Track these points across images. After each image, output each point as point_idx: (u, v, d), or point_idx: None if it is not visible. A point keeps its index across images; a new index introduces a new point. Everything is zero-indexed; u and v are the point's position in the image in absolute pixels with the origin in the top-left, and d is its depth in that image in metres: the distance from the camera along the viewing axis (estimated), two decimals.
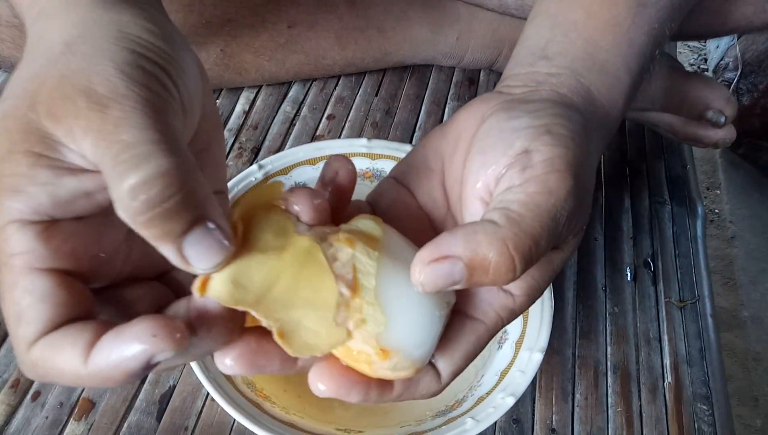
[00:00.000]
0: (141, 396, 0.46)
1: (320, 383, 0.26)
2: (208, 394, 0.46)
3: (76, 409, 0.45)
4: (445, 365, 0.28)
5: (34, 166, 0.22)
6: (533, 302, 0.30)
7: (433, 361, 0.28)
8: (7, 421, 0.44)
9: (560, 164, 0.27)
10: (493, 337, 0.29)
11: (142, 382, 0.47)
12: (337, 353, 0.26)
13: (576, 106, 0.32)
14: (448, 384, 0.29)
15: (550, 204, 0.26)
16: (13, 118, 0.23)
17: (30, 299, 0.22)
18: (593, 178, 0.31)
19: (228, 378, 0.41)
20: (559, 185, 0.27)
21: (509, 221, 0.25)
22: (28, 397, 0.45)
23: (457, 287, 0.25)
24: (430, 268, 0.25)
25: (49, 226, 0.23)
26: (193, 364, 0.40)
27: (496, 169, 0.28)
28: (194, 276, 0.24)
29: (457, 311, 0.29)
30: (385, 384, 0.27)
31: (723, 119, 0.57)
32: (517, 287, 0.29)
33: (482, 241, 0.25)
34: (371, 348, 0.25)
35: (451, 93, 0.71)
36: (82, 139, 0.22)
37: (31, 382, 0.46)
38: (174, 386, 0.47)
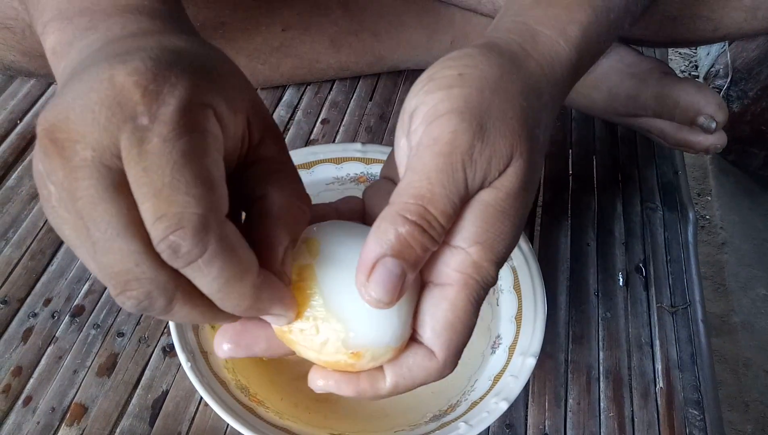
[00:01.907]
0: (134, 401, 0.46)
1: (319, 380, 0.28)
2: (201, 398, 0.46)
3: (68, 414, 0.45)
4: (433, 339, 0.27)
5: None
6: (496, 249, 0.27)
7: (418, 338, 0.28)
8: None
9: (442, 108, 0.27)
10: (474, 297, 0.27)
11: (135, 386, 0.47)
12: (321, 364, 0.28)
13: (492, 43, 0.31)
14: (450, 359, 0.27)
15: (434, 153, 0.26)
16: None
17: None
18: (535, 101, 0.29)
19: (222, 382, 0.41)
20: (441, 130, 0.26)
21: (398, 193, 0.26)
22: (20, 402, 0.45)
23: (413, 274, 0.26)
24: (372, 284, 0.25)
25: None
26: (187, 369, 0.40)
27: (404, 139, 0.29)
28: None
29: (423, 282, 0.28)
30: (374, 373, 0.28)
31: (714, 125, 0.57)
32: (461, 239, 0.27)
33: (385, 226, 0.26)
34: (343, 356, 0.27)
35: None
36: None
37: (23, 387, 0.45)
38: (167, 391, 0.47)
